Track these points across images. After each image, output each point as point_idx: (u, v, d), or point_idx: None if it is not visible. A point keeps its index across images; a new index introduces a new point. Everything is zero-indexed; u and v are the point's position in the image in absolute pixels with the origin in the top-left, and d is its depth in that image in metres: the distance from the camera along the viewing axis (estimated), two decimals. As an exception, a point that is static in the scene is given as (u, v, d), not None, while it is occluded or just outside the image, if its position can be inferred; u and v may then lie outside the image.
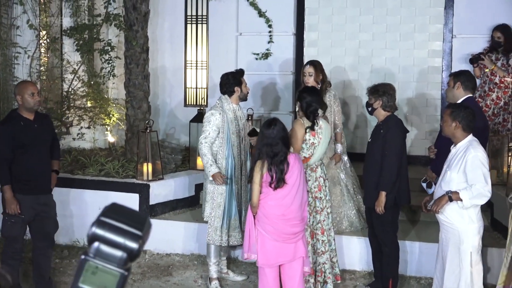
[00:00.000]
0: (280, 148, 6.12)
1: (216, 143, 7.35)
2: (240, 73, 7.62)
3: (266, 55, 10.90)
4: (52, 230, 7.17)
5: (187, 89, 11.69)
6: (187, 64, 11.66)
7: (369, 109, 7.02)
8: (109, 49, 10.38)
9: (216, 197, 7.38)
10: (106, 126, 11.04)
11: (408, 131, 7.11)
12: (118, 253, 1.60)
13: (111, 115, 10.93)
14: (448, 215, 6.00)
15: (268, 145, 6.12)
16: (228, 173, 7.39)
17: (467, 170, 5.88)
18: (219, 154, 7.37)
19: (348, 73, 10.72)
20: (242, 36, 11.11)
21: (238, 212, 7.50)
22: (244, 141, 7.58)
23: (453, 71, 8.58)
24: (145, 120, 9.35)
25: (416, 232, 8.15)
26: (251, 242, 6.33)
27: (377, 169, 6.78)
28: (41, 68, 10.72)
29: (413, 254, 7.72)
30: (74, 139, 10.69)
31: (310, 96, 6.88)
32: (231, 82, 7.47)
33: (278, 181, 6.11)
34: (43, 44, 10.77)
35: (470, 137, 6.02)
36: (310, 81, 7.71)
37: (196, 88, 11.66)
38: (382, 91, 6.85)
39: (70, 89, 10.84)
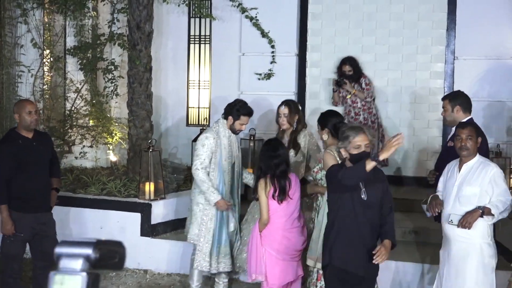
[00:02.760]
0: (284, 167, 6.50)
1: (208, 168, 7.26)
2: (245, 109, 7.33)
3: (268, 75, 10.92)
4: (51, 249, 7.05)
5: (190, 108, 11.72)
6: (190, 84, 11.70)
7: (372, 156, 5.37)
8: (113, 68, 10.42)
9: (206, 222, 7.26)
10: (109, 145, 11.05)
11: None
12: (78, 260, 1.93)
13: (113, 134, 10.95)
14: (471, 230, 5.95)
15: (275, 164, 6.43)
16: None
17: (495, 185, 5.93)
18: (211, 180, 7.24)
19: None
20: (245, 56, 11.14)
21: (230, 238, 7.41)
22: (238, 168, 7.49)
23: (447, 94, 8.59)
24: (147, 139, 9.36)
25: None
26: (258, 262, 6.42)
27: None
28: (44, 87, 10.75)
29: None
30: (76, 157, 10.70)
31: (336, 117, 6.80)
32: (234, 110, 7.30)
33: (281, 193, 6.41)
34: (46, 63, 10.81)
35: (479, 155, 6.11)
36: (284, 122, 7.47)
37: (199, 107, 11.69)
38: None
39: (73, 108, 10.86)
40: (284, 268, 6.49)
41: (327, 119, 6.76)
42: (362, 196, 5.38)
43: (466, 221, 5.91)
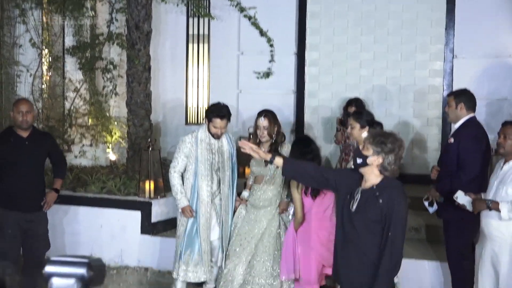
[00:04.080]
0: (318, 162, 6.54)
1: (185, 173, 7.06)
2: (217, 111, 6.91)
3: (267, 74, 10.92)
4: (40, 248, 7.09)
5: (188, 107, 11.72)
6: (189, 83, 11.70)
7: (359, 161, 4.79)
8: (111, 68, 10.43)
9: (179, 226, 7.10)
10: (108, 144, 11.05)
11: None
12: (70, 281, 1.94)
13: (112, 133, 10.95)
14: (504, 228, 5.98)
15: (308, 160, 6.26)
16: (193, 207, 7.00)
17: None
18: (186, 185, 7.03)
19: (349, 93, 10.74)
20: (244, 55, 11.15)
21: (211, 247, 7.10)
22: (226, 173, 7.13)
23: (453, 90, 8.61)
24: (146, 138, 9.36)
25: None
26: (294, 261, 6.52)
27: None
28: (43, 86, 10.75)
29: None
30: (75, 156, 10.69)
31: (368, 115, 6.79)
32: (208, 112, 7.05)
33: (314, 189, 6.39)
34: (45, 63, 10.81)
35: None
36: (264, 135, 6.96)
37: (198, 107, 11.69)
38: (389, 148, 4.72)
39: (72, 107, 10.86)
40: (319, 265, 6.48)
41: (365, 118, 6.69)
42: (352, 208, 4.79)
43: (473, 207, 6.10)
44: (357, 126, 6.63)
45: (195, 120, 11.65)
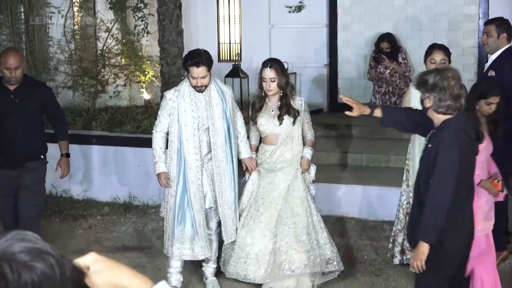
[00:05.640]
0: None
1: (169, 135, 6.06)
2: (191, 58, 5.87)
3: (299, 8, 10.80)
4: (25, 199, 6.40)
5: (221, 44, 11.67)
6: (220, 19, 11.62)
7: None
8: (142, 6, 10.36)
9: (168, 199, 6.09)
10: (141, 84, 11.07)
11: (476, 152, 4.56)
12: None
13: (146, 72, 10.96)
14: None
15: None
16: (180, 176, 5.97)
17: None
18: (171, 149, 6.03)
19: (382, 24, 10.58)
20: (275, -11, 11.03)
21: (202, 219, 6.00)
22: (216, 133, 5.97)
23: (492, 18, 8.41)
24: (180, 77, 9.35)
25: None
26: None
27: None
28: (75, 28, 10.75)
29: None
30: (110, 97, 10.74)
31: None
32: (184, 61, 6.06)
33: None
34: (76, 3, 10.79)
35: None
36: (272, 87, 5.99)
37: (230, 43, 11.63)
38: (431, 84, 4.40)
39: (104, 48, 10.86)
40: None
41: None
42: None
43: None
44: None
45: (227, 56, 11.61)
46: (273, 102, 6.10)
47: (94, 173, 9.02)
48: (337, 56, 10.92)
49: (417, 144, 5.85)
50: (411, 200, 5.67)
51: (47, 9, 10.42)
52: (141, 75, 10.92)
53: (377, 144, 9.13)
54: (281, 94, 6.06)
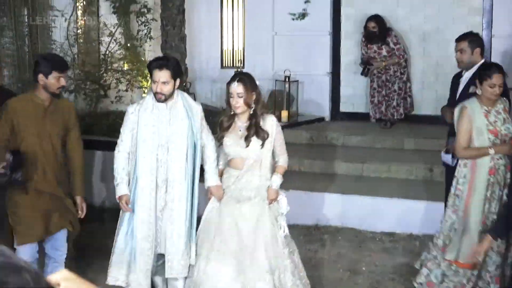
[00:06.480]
0: None
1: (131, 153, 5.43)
2: (156, 59, 5.43)
3: (303, 15, 10.79)
4: None
5: (224, 50, 11.66)
6: (224, 26, 11.61)
7: None
8: (146, 11, 10.38)
9: (121, 219, 5.48)
10: (144, 89, 11.07)
11: None
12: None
13: (148, 77, 10.94)
14: None
15: None
16: (131, 197, 5.35)
17: None
18: (131, 168, 5.39)
19: (401, 23, 10.49)
20: (279, -4, 11.02)
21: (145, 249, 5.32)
22: (175, 153, 5.29)
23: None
24: (182, 82, 9.34)
25: None
26: None
27: None
28: (78, 31, 10.75)
29: None
30: (112, 102, 10.73)
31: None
32: (148, 64, 5.48)
33: None
34: (79, 7, 10.79)
35: None
36: (240, 104, 5.24)
37: (233, 49, 11.62)
38: None
39: (107, 52, 10.86)
40: None
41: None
42: None
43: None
44: None
45: (230, 63, 11.60)
46: (242, 121, 5.34)
47: (95, 179, 8.99)
48: (340, 64, 10.89)
49: (478, 171, 5.67)
50: (456, 226, 5.59)
51: (51, 12, 10.43)
52: (143, 80, 10.91)
53: (378, 153, 9.10)
54: (251, 113, 5.31)
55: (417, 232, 7.37)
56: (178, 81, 5.30)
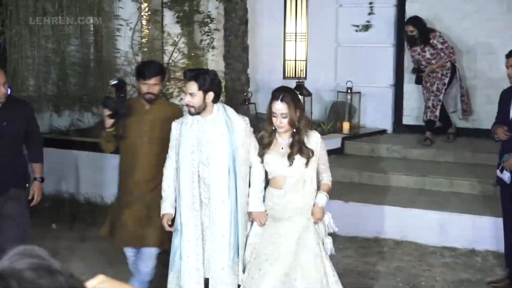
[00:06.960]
0: None
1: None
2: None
3: (366, 27, 10.71)
4: (8, 231, 5.81)
5: (286, 61, 11.65)
6: (286, 36, 11.61)
7: None
8: (209, 21, 10.44)
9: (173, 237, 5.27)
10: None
11: None
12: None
13: (210, 87, 11.00)
14: None
15: None
16: (177, 214, 5.17)
17: None
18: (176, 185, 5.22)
19: (464, 38, 10.32)
20: (342, 7, 10.95)
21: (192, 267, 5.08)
22: (210, 170, 5.02)
23: None
24: (243, 92, 9.38)
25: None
26: None
27: None
28: (142, 40, 10.87)
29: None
30: (174, 110, 10.79)
31: None
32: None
33: None
34: (144, 16, 10.92)
35: None
36: (284, 124, 4.91)
37: (295, 60, 11.60)
38: None
39: (170, 61, 10.95)
40: None
41: None
42: None
43: None
44: None
45: (293, 73, 11.57)
46: (284, 138, 5.04)
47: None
48: (404, 76, 10.77)
49: None
50: None
51: (116, 21, 10.57)
52: (205, 89, 10.97)
53: (440, 167, 8.96)
54: (294, 130, 4.99)
55: (479, 248, 7.22)
56: (210, 94, 4.99)
